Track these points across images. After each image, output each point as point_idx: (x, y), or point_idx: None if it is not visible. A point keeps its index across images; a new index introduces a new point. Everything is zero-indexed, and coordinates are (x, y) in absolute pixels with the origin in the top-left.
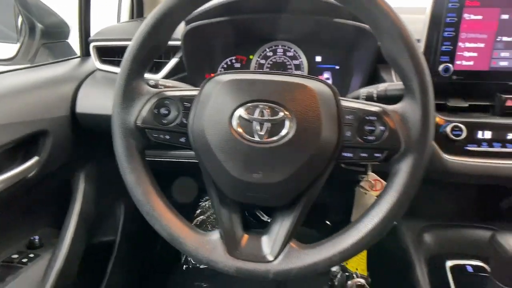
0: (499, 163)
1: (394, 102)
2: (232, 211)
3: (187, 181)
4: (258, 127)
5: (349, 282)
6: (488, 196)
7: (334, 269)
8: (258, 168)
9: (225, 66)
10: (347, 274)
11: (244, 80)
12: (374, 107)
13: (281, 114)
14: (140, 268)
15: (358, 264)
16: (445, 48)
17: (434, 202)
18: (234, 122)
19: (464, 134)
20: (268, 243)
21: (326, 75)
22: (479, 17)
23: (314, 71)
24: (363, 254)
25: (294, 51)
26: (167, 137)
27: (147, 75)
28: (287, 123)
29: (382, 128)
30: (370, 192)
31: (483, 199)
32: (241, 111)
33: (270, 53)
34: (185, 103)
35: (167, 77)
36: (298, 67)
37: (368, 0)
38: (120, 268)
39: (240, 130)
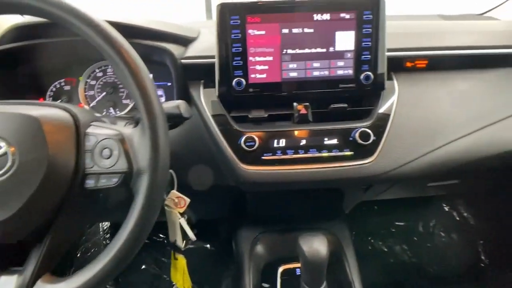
0: (292, 169)
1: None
2: None
3: None
4: None
5: None
6: (320, 198)
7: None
8: None
9: (54, 89)
10: None
11: None
12: (112, 131)
13: (2, 148)
14: None
15: (185, 282)
16: (236, 63)
17: (269, 210)
18: None
19: (257, 144)
20: (18, 281)
21: (159, 92)
22: (262, 32)
23: None
24: (185, 272)
25: None
26: None
27: None
28: (9, 156)
29: (116, 152)
30: (174, 209)
31: (317, 202)
32: None
33: (100, 74)
34: None
35: None
36: None
37: (86, 26)
38: None
39: None
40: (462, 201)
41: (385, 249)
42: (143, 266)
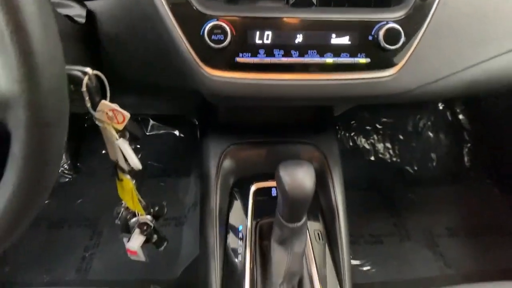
0: (280, 79)
1: None
2: None
3: None
4: None
5: (132, 220)
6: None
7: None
8: None
9: None
10: (130, 211)
11: None
12: None
13: None
14: None
15: (135, 205)
16: None
17: (243, 118)
18: None
19: (229, 38)
20: None
21: None
22: None
23: None
24: (134, 195)
25: None
26: None
27: None
28: None
29: None
30: (109, 125)
31: (303, 111)
32: None
33: None
34: None
35: None
36: None
37: None
38: None
39: None
40: (461, 102)
41: (367, 147)
42: (103, 151)
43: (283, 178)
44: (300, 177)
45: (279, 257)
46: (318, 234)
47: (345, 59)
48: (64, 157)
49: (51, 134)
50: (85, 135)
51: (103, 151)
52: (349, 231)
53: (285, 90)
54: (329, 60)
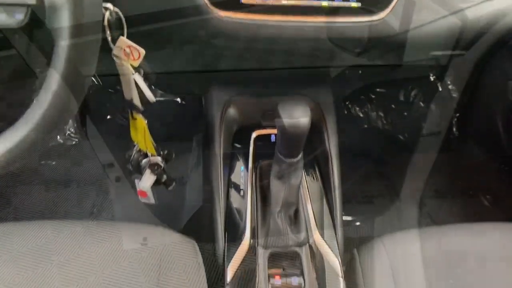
0: (281, 20)
1: None
2: None
3: None
4: None
5: (144, 161)
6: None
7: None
8: None
9: None
10: (141, 153)
11: None
12: None
13: None
14: None
15: (146, 144)
16: None
17: (244, 75)
18: None
19: None
20: None
21: None
22: None
23: None
24: (146, 133)
25: None
26: None
27: None
28: None
29: None
30: (126, 61)
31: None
32: None
33: None
34: None
35: None
36: None
37: None
38: None
39: None
40: (451, 73)
41: (361, 115)
42: (108, 116)
43: (282, 115)
44: (296, 115)
45: (277, 189)
46: (313, 175)
47: (339, 3)
48: (70, 121)
49: (87, 42)
50: (90, 102)
51: (108, 117)
52: (341, 173)
53: (285, 31)
54: (325, 3)
